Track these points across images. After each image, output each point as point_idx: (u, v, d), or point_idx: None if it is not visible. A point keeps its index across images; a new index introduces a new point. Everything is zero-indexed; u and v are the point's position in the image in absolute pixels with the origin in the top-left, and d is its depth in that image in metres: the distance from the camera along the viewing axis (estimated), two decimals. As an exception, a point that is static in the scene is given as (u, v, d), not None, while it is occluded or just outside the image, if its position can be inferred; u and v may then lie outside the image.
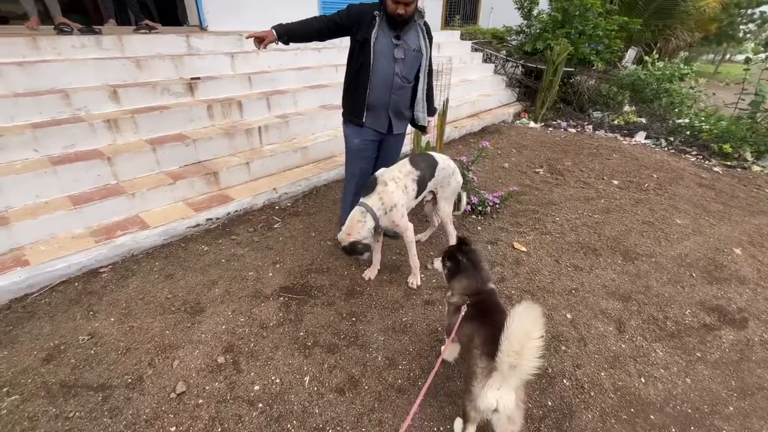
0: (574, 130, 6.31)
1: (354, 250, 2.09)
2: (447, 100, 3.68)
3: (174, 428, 1.54)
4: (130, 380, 1.72)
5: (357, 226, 2.08)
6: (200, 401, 1.65)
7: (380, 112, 2.41)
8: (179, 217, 2.77)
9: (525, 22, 7.63)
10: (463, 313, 1.59)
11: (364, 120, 2.40)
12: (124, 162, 2.88)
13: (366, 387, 1.77)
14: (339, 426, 1.60)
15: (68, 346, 1.86)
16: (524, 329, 1.28)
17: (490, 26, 9.72)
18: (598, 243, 3.09)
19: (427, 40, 2.36)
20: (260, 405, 1.66)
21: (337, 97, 4.64)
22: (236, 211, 3.04)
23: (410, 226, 2.28)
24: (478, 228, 3.19)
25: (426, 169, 2.33)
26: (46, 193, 2.56)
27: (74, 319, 2.02)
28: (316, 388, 1.75)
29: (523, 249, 2.94)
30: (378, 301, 2.30)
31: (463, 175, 3.30)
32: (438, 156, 2.44)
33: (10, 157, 2.60)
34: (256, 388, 1.73)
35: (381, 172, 2.22)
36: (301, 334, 2.03)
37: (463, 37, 8.21)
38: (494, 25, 9.72)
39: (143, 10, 4.44)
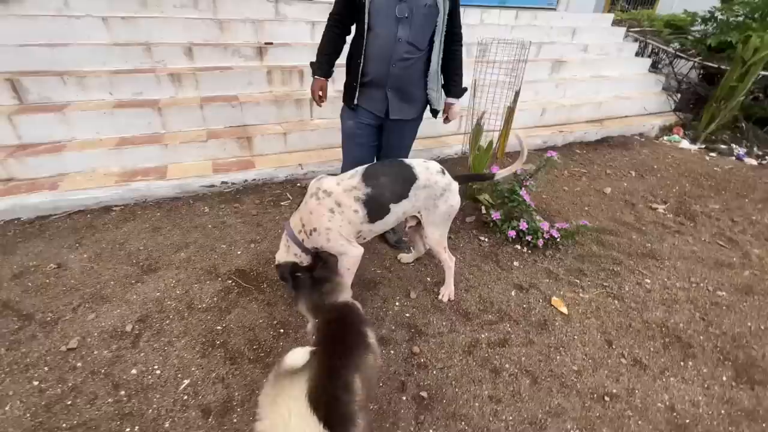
0: (753, 162, 4.40)
1: (282, 276, 1.65)
2: (518, 92, 2.83)
3: (37, 383, 1.49)
4: (48, 319, 1.76)
5: (282, 250, 1.73)
6: (78, 365, 1.58)
7: (376, 90, 1.91)
8: (197, 174, 2.82)
9: (721, 5, 5.57)
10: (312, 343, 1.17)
11: (356, 101, 1.94)
12: (174, 114, 3.07)
13: (235, 420, 1.43)
14: (173, 455, 1.31)
15: (38, 269, 2.04)
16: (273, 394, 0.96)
17: (672, 12, 7.53)
18: (701, 337, 1.98)
19: None
20: (122, 392, 1.49)
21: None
22: (254, 179, 2.96)
23: (349, 251, 1.69)
24: (514, 263, 2.40)
25: (387, 186, 1.67)
26: (104, 131, 2.90)
27: (62, 246, 2.22)
28: (185, 398, 1.49)
29: (563, 310, 2.08)
30: (323, 319, 1.89)
31: (513, 191, 2.53)
32: (419, 167, 1.73)
33: (90, 96, 3.02)
34: (133, 372, 1.57)
35: (313, 181, 1.73)
36: (218, 328, 1.79)
37: (619, 23, 6.56)
38: (678, 11, 7.50)
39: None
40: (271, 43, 3.74)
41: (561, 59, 5.16)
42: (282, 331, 1.81)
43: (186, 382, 1.55)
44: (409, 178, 1.70)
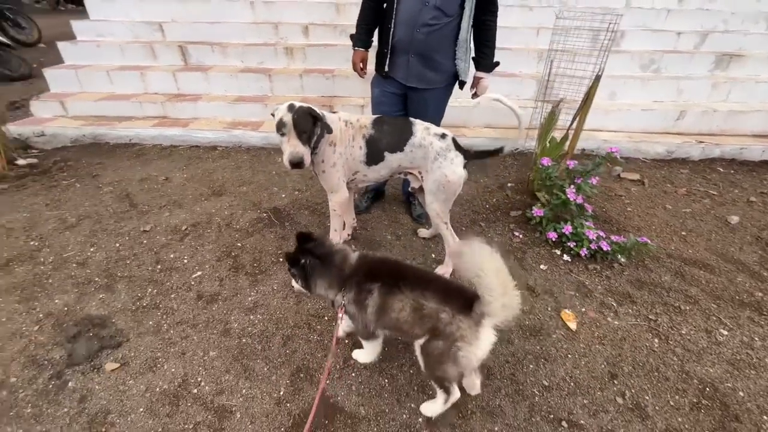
0: None
1: (303, 114, 1.64)
2: (599, 76, 2.38)
3: (118, 245, 2.14)
4: (144, 210, 2.46)
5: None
6: (144, 241, 2.18)
7: (401, 56, 1.95)
8: (281, 131, 3.33)
9: None
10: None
11: (386, 69, 2.00)
12: (280, 81, 3.67)
13: (214, 308, 1.78)
14: (168, 315, 1.74)
15: (155, 178, 2.82)
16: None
17: None
18: (764, 416, 1.44)
19: None
20: (159, 266, 2.01)
21: (513, 64, 3.90)
22: (325, 142, 3.32)
23: (340, 189, 1.83)
24: (541, 266, 2.14)
25: (387, 134, 1.76)
26: (230, 89, 3.69)
27: (175, 167, 2.99)
28: (192, 283, 1.91)
29: (571, 325, 1.79)
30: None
31: (561, 188, 2.24)
32: (419, 126, 1.76)
33: (228, 62, 3.86)
34: (171, 255, 2.08)
35: (341, 112, 1.86)
36: (238, 244, 2.19)
37: None
38: None
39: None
40: (376, 24, 4.02)
41: (736, 53, 4.00)
42: (281, 260, 2.09)
43: (198, 273, 1.97)
44: (406, 133, 1.75)
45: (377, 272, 1.28)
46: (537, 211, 2.32)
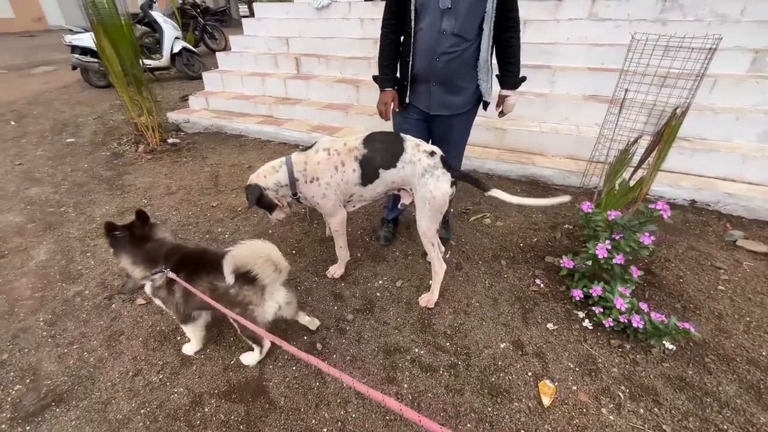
0: None
1: (251, 192, 1.86)
2: (677, 109, 1.88)
3: (191, 213, 2.72)
4: (222, 189, 3.04)
5: (267, 171, 1.89)
6: (208, 214, 2.71)
7: (422, 85, 1.92)
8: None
9: None
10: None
11: (407, 99, 1.98)
12: (365, 92, 3.99)
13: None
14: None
15: (241, 165, 3.44)
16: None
17: None
18: None
19: None
20: (207, 236, 2.49)
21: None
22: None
23: (338, 213, 1.89)
24: (548, 325, 1.85)
25: (380, 152, 1.76)
26: (324, 97, 4.18)
27: (260, 158, 3.58)
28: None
29: (544, 399, 1.53)
30: (314, 261, 2.27)
31: (591, 238, 1.92)
32: (410, 142, 1.75)
33: (329, 72, 4.36)
34: (219, 229, 2.55)
35: (323, 139, 1.89)
36: (270, 231, 2.53)
37: None
38: None
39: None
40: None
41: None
42: (295, 252, 2.34)
43: (230, 248, 2.38)
44: (398, 150, 1.76)
45: (183, 261, 1.46)
46: (566, 262, 1.99)
